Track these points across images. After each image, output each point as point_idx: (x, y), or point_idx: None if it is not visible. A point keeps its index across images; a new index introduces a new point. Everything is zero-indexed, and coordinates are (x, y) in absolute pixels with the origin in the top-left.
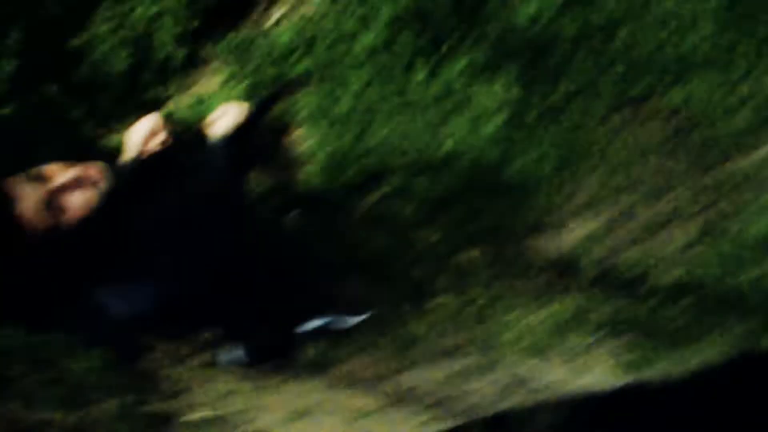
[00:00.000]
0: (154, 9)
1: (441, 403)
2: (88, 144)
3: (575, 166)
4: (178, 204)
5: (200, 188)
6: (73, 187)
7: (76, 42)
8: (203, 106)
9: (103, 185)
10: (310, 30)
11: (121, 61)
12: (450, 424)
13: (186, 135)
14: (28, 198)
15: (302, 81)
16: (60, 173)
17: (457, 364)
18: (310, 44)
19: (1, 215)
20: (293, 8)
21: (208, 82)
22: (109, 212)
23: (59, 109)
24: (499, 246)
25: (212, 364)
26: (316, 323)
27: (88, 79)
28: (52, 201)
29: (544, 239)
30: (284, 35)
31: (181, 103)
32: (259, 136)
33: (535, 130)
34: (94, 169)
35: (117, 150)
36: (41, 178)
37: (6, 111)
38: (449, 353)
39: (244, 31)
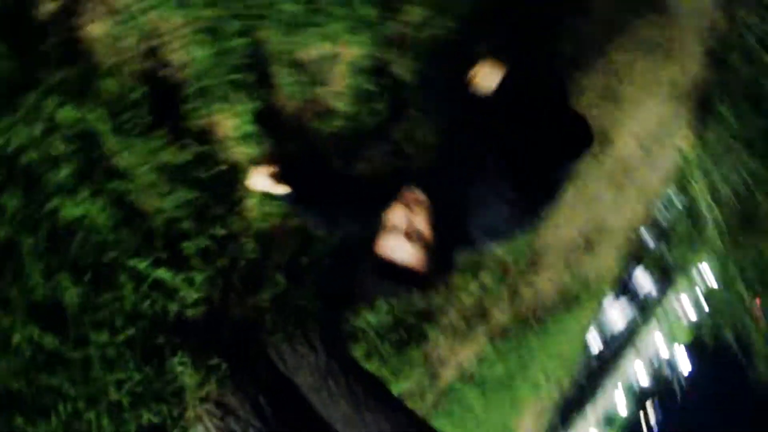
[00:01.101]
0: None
1: None
2: None
3: None
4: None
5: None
6: (413, 215)
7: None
8: None
9: (425, 199)
10: None
11: None
12: None
13: None
14: (401, 250)
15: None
16: (394, 214)
17: None
18: None
19: (395, 272)
20: None
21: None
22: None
23: None
24: None
25: None
26: None
27: None
28: (413, 236)
29: None
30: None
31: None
32: None
33: None
34: (411, 195)
35: None
36: (389, 228)
37: None
38: None
39: None
